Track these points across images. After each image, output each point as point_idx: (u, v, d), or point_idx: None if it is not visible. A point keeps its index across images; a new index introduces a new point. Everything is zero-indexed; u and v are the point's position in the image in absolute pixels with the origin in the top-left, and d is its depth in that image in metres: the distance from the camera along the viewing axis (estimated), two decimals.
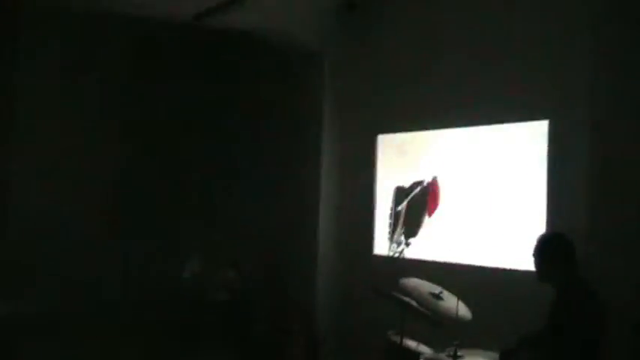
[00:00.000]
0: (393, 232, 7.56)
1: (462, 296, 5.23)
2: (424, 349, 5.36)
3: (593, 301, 4.31)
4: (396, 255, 7.40)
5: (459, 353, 4.72)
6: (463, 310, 5.15)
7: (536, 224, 5.92)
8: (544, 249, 4.55)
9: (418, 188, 7.28)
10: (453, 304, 5.09)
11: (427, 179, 7.20)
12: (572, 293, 4.35)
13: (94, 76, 8.64)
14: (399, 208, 7.46)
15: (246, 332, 7.29)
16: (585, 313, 4.23)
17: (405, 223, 7.43)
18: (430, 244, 7.16)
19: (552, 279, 4.48)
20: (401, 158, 7.58)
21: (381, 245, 7.70)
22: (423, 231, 7.25)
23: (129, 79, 8.86)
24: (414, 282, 5.53)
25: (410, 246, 7.36)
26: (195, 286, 7.43)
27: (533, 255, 4.58)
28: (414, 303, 5.11)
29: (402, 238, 7.44)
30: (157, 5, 7.65)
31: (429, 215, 7.14)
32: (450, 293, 5.33)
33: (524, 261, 5.23)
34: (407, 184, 7.45)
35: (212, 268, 7.60)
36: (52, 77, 8.40)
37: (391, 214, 7.62)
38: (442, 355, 4.82)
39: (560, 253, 4.47)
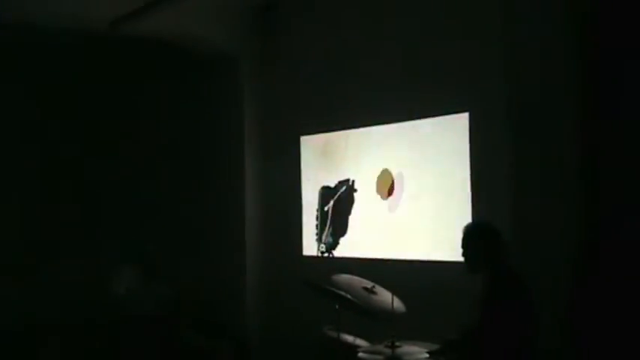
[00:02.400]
0: (321, 232, 7.58)
1: (394, 290, 5.25)
2: (361, 343, 5.37)
3: (525, 290, 4.29)
4: (326, 254, 7.43)
5: (396, 344, 4.75)
6: (397, 304, 5.18)
7: (462, 216, 6.01)
8: (471, 239, 4.52)
9: (344, 187, 7.32)
10: (386, 297, 5.11)
11: (352, 178, 7.26)
12: (504, 283, 4.33)
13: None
14: (326, 208, 7.49)
15: (174, 343, 7.17)
16: (518, 302, 4.21)
17: (332, 223, 7.46)
18: (358, 241, 7.22)
19: (481, 269, 4.46)
20: (324, 158, 7.61)
21: (310, 246, 7.72)
22: (351, 229, 7.29)
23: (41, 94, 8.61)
24: (345, 277, 5.54)
25: (339, 245, 7.39)
26: (130, 301, 7.26)
27: (462, 246, 4.54)
28: (348, 296, 5.11)
29: (330, 237, 7.47)
30: (70, 14, 7.47)
31: None
32: (382, 288, 5.35)
33: (452, 253, 5.35)
34: (332, 183, 7.49)
35: (146, 281, 7.44)
36: None
37: (318, 214, 7.64)
38: (380, 347, 4.84)
39: (488, 242, 4.44)
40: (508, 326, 4.14)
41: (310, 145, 7.81)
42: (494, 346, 4.20)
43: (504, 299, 4.26)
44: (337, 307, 5.24)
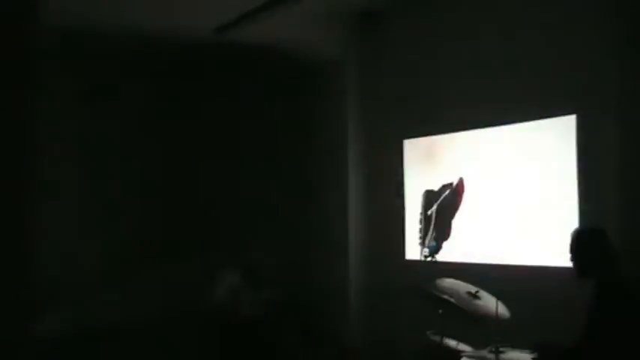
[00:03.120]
0: (424, 236, 7.55)
1: (498, 295, 5.18)
2: (464, 348, 5.32)
3: (636, 305, 4.13)
4: (429, 259, 7.38)
5: (500, 349, 4.68)
6: (501, 309, 5.10)
7: (569, 221, 5.88)
8: (580, 243, 4.42)
9: (447, 191, 7.27)
10: (490, 302, 5.05)
11: (455, 181, 7.20)
12: (612, 293, 4.19)
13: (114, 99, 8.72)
14: (429, 212, 7.45)
15: (277, 347, 7.26)
16: (627, 314, 4.07)
17: (436, 227, 7.41)
18: (463, 246, 7.15)
19: (590, 275, 4.35)
20: (428, 162, 7.58)
21: (413, 250, 7.69)
22: (454, 233, 7.23)
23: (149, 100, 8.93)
24: (449, 282, 5.50)
25: (442, 249, 7.34)
26: (229, 305, 7.40)
27: (570, 251, 4.45)
28: (452, 300, 5.07)
29: (434, 241, 7.42)
30: (176, 21, 7.72)
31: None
32: (486, 292, 5.29)
33: (558, 258, 5.22)
34: (435, 187, 7.44)
35: (247, 285, 7.58)
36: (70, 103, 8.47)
37: (421, 218, 7.61)
38: (484, 352, 4.79)
39: (597, 246, 4.34)
40: (614, 342, 4.02)
41: (414, 148, 7.79)
42: None
43: (612, 314, 4.12)
44: (440, 311, 5.20)
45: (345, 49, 8.28)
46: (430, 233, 7.47)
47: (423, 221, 7.59)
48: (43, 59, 3.61)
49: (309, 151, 8.74)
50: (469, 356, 4.89)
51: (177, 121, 9.12)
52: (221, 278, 7.57)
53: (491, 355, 4.64)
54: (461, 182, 7.15)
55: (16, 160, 3.28)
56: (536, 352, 4.53)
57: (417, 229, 7.65)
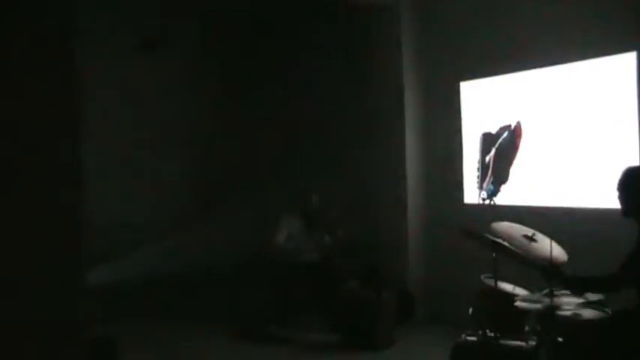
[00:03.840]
0: (482, 179, 7.48)
1: (555, 238, 5.11)
2: (520, 291, 5.30)
3: None
4: (487, 202, 7.32)
5: (555, 293, 4.64)
6: (558, 252, 5.03)
7: (629, 162, 5.73)
8: (628, 181, 4.35)
9: (506, 133, 7.16)
10: (547, 245, 4.99)
11: (513, 123, 7.08)
12: None
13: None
14: (488, 157, 7.36)
15: (337, 290, 7.35)
16: None
17: (494, 170, 7.33)
18: (521, 189, 7.07)
19: (635, 214, 4.28)
20: (485, 104, 7.46)
21: (471, 194, 7.63)
22: (513, 176, 7.14)
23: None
24: (505, 225, 5.43)
25: (500, 192, 7.27)
26: (289, 250, 7.52)
27: (618, 188, 4.39)
28: (506, 244, 5.03)
29: (492, 185, 7.35)
30: None
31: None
32: (543, 235, 5.22)
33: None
34: (493, 129, 7.34)
35: (306, 231, 7.68)
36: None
37: (480, 160, 7.53)
38: (539, 296, 4.75)
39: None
40: None
41: (471, 91, 7.67)
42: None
43: None
44: (494, 254, 5.17)
45: None
46: (488, 177, 7.40)
47: (480, 164, 7.51)
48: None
49: (367, 96, 8.66)
50: (524, 299, 4.86)
51: (235, 64, 9.17)
52: (283, 223, 7.68)
53: (546, 299, 4.60)
54: (519, 125, 7.02)
55: (67, 109, 3.31)
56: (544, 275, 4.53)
57: (475, 173, 7.58)
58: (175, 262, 8.43)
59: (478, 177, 7.53)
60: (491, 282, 5.24)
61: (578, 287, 4.56)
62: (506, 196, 7.21)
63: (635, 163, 5.58)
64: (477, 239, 5.44)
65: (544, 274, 4.53)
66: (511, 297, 5.03)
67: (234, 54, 9.27)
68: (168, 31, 8.73)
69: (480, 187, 7.47)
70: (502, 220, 5.63)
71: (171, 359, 6.82)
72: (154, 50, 8.62)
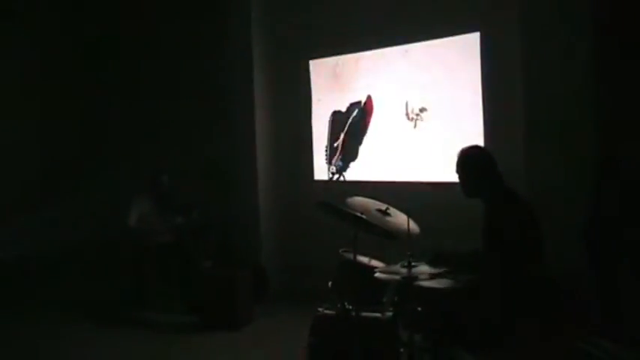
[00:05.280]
0: (331, 155, 7.60)
1: (407, 212, 5.24)
2: (377, 263, 5.42)
3: (523, 206, 4.28)
4: (336, 177, 7.46)
5: (413, 263, 4.78)
6: (411, 225, 5.17)
7: (475, 138, 6.02)
8: (462, 164, 4.49)
9: (356, 111, 7.30)
10: (400, 219, 5.12)
11: (363, 99, 7.24)
12: (501, 203, 4.33)
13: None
14: (338, 140, 7.48)
15: (191, 270, 7.28)
16: (518, 219, 4.20)
17: (343, 149, 7.47)
18: (370, 165, 7.26)
19: (478, 193, 4.47)
20: (335, 81, 7.58)
21: (321, 171, 7.76)
22: (363, 153, 7.31)
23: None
24: (359, 200, 5.52)
25: (349, 169, 7.43)
26: (141, 231, 7.34)
27: (456, 171, 4.52)
28: (364, 217, 5.13)
29: (340, 162, 7.48)
30: None
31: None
32: (396, 209, 5.36)
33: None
34: (343, 107, 7.47)
35: (158, 212, 7.51)
36: None
37: (329, 138, 7.65)
38: (396, 267, 4.88)
39: (481, 165, 4.42)
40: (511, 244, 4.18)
41: (320, 68, 7.77)
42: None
43: (505, 219, 4.25)
44: (353, 229, 5.26)
45: None
46: (337, 154, 7.53)
47: (329, 142, 7.63)
48: None
49: (215, 75, 8.55)
50: (382, 271, 4.97)
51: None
52: (134, 204, 7.48)
53: (404, 270, 4.74)
54: (369, 99, 7.18)
55: None
56: (434, 262, 4.68)
57: (325, 149, 7.69)
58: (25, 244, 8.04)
59: (326, 153, 7.65)
60: (350, 255, 5.32)
61: (469, 266, 4.69)
62: (355, 172, 7.38)
63: (478, 141, 5.86)
64: (335, 213, 5.50)
65: (434, 258, 4.65)
66: (370, 269, 5.13)
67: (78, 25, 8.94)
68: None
69: (329, 163, 7.60)
70: (352, 195, 5.75)
71: (24, 347, 6.52)
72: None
